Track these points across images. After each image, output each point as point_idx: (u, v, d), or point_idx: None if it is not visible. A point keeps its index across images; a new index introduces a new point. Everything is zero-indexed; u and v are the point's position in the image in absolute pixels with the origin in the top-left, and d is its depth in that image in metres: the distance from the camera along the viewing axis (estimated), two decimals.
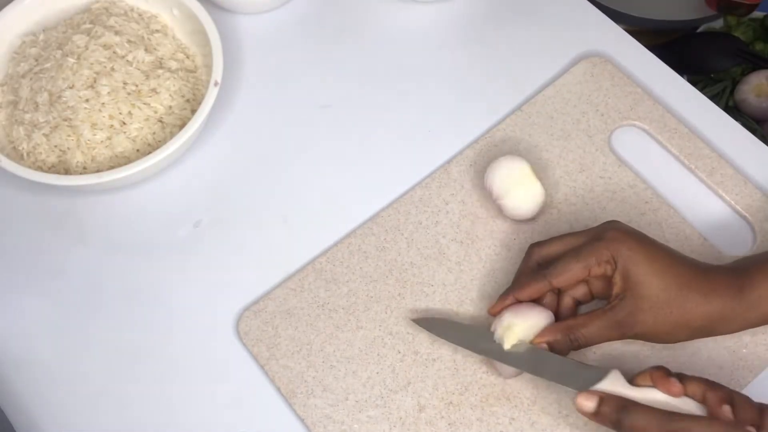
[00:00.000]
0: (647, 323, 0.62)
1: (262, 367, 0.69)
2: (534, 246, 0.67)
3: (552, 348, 0.63)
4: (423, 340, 0.69)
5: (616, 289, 0.63)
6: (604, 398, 0.59)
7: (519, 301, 0.65)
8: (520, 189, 0.71)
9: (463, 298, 0.71)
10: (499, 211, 0.73)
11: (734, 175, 0.74)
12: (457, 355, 0.68)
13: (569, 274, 0.63)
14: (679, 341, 0.64)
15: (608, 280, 0.64)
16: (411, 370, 0.68)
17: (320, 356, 0.69)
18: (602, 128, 0.77)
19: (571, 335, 0.63)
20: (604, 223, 0.66)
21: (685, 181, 0.75)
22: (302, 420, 0.66)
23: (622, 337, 0.63)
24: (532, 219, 0.73)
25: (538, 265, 0.66)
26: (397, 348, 0.69)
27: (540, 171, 0.75)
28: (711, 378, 0.66)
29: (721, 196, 0.74)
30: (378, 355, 0.69)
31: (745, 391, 0.66)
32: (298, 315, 0.70)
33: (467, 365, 0.68)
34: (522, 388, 0.67)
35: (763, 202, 0.73)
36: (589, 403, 0.59)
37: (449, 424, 0.66)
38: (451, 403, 0.67)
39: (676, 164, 0.76)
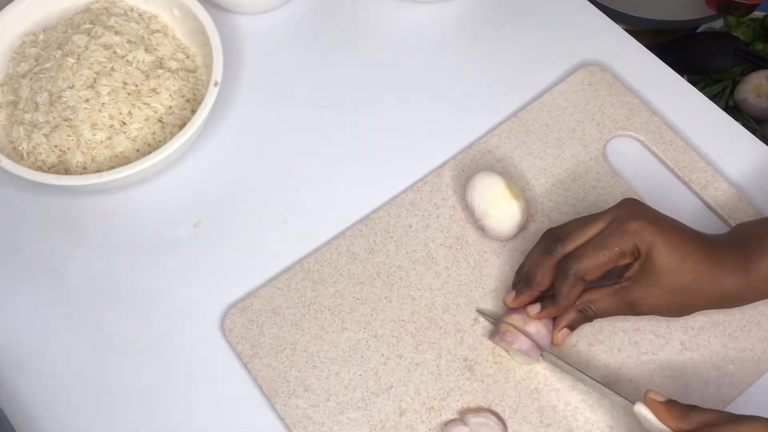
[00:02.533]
0: (658, 305, 0.64)
1: (245, 365, 0.69)
2: (553, 242, 0.65)
3: (570, 328, 0.66)
4: (407, 344, 0.69)
5: (630, 273, 0.64)
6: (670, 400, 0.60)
7: (562, 310, 0.66)
8: (496, 209, 0.71)
9: (449, 304, 0.70)
10: (483, 231, 0.73)
11: (728, 189, 0.74)
12: (440, 360, 0.68)
13: (599, 269, 0.64)
14: (687, 315, 0.67)
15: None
16: (394, 374, 0.68)
17: (304, 356, 0.69)
18: (597, 137, 0.77)
19: (585, 312, 0.65)
20: (623, 203, 0.66)
21: (678, 194, 0.75)
22: (283, 419, 0.67)
23: (632, 313, 0.66)
24: (513, 238, 0.73)
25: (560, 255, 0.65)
26: (381, 351, 0.69)
27: (532, 179, 0.75)
28: (697, 393, 0.66)
29: (714, 210, 0.74)
30: (361, 357, 0.69)
31: (730, 407, 0.66)
32: (283, 314, 0.70)
33: (450, 371, 0.68)
34: (504, 395, 0.67)
35: (756, 218, 0.72)
36: (659, 397, 0.60)
37: (429, 430, 0.66)
38: (432, 408, 0.67)
39: (671, 177, 0.76)
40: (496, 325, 0.68)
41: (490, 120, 0.79)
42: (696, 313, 0.66)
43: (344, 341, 0.69)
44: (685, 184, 0.75)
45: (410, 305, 0.71)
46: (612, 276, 0.65)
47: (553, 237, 0.66)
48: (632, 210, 0.64)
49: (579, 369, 0.65)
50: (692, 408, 0.58)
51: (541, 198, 0.74)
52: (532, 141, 0.77)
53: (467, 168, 0.76)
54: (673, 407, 0.59)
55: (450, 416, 0.66)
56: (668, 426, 0.58)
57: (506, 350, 0.68)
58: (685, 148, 0.76)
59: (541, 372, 0.67)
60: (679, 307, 0.65)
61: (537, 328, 0.66)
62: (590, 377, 0.64)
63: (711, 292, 0.64)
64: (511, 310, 0.68)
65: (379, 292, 0.71)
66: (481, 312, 0.70)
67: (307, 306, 0.71)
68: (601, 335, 0.68)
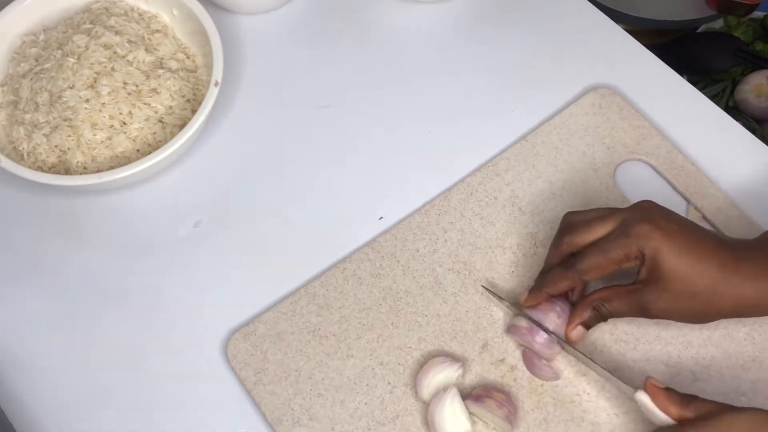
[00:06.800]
0: (670, 310, 0.63)
1: (248, 391, 0.68)
2: (562, 231, 0.66)
3: (585, 326, 0.65)
4: (414, 372, 0.68)
5: (640, 276, 0.63)
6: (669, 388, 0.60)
7: (551, 296, 0.66)
8: None
9: (456, 330, 0.69)
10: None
11: (740, 216, 0.73)
12: None
13: (599, 271, 0.63)
14: (706, 322, 0.65)
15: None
16: (400, 403, 0.67)
17: (308, 384, 0.68)
18: (608, 162, 0.76)
19: (599, 310, 0.65)
20: (636, 205, 0.65)
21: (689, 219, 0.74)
22: None
23: (645, 316, 0.64)
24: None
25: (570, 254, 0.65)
26: (387, 379, 0.68)
27: (542, 204, 0.74)
28: None
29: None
30: (367, 385, 0.68)
31: None
32: (288, 340, 0.69)
33: None
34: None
35: None
36: (659, 384, 0.60)
37: None
38: None
39: (682, 202, 0.75)
40: (512, 319, 0.68)
41: (498, 143, 0.78)
42: (708, 338, 0.66)
43: (350, 368, 0.68)
44: (697, 209, 0.74)
45: (417, 332, 0.69)
46: (629, 276, 0.64)
47: (564, 226, 0.66)
48: (642, 213, 0.63)
49: (590, 358, 0.65)
50: (693, 397, 0.59)
51: (552, 223, 0.73)
52: (541, 165, 0.76)
53: (476, 191, 0.75)
54: (673, 394, 0.59)
55: None
56: (668, 413, 0.58)
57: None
58: (697, 173, 0.75)
59: (551, 402, 0.67)
60: (693, 313, 0.63)
61: (555, 324, 0.66)
62: (597, 364, 0.64)
63: (729, 300, 0.62)
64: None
65: (386, 317, 0.70)
66: (487, 289, 0.70)
67: (312, 332, 0.69)
68: (611, 366, 0.68)
